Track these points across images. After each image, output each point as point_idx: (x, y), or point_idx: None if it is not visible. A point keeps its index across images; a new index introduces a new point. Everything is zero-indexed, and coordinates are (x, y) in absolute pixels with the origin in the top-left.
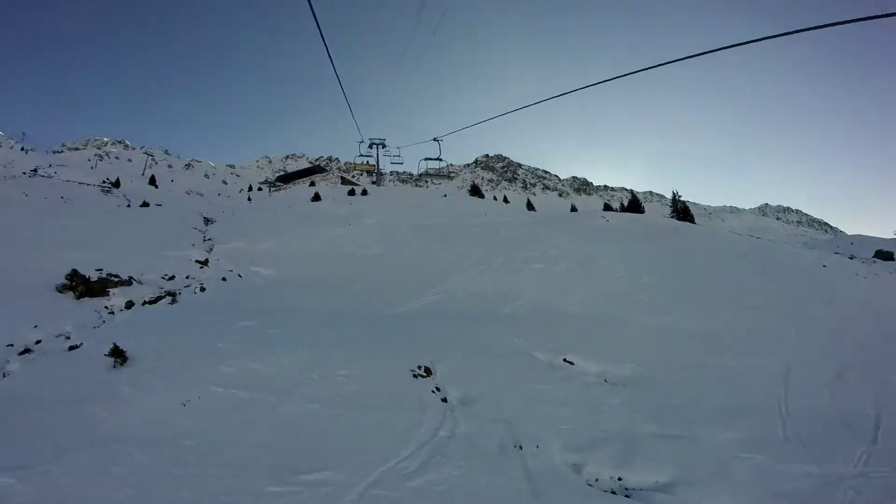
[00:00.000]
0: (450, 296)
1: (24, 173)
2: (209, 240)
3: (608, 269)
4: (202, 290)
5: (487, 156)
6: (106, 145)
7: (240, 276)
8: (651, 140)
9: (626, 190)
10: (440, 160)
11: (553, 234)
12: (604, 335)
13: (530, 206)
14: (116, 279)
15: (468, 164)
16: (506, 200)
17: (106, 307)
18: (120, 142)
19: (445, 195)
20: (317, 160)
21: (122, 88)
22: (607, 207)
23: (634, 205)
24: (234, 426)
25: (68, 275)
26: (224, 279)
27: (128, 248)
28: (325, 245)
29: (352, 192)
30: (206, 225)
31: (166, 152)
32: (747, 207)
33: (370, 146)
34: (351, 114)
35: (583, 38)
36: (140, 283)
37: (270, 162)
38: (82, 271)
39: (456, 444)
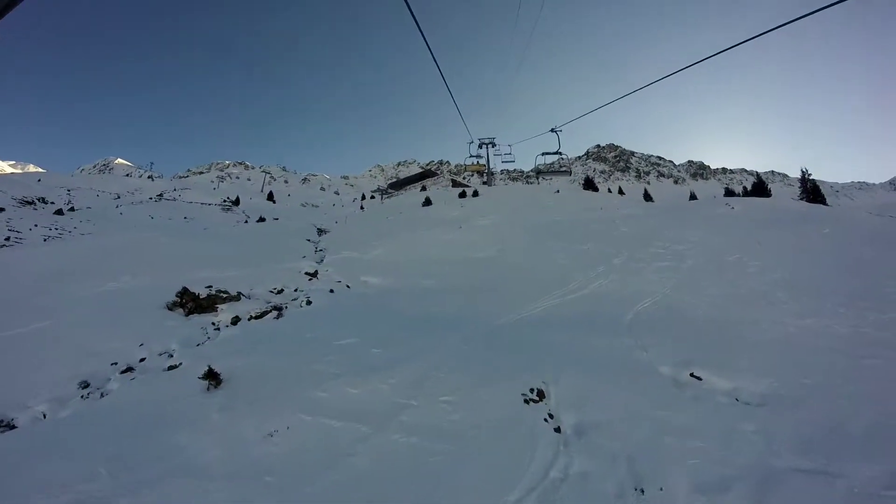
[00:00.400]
0: (567, 300)
1: (151, 198)
2: (321, 250)
3: (739, 264)
4: (308, 303)
5: (599, 146)
6: (228, 167)
7: (348, 286)
8: (769, 116)
9: (746, 171)
10: (560, 154)
11: (675, 226)
12: (736, 343)
13: (647, 197)
14: (225, 295)
15: (579, 157)
16: (621, 192)
17: (213, 323)
18: (240, 163)
19: (558, 191)
20: (427, 165)
21: (241, 113)
22: (729, 192)
23: (759, 188)
24: (320, 461)
25: (179, 292)
26: (332, 291)
27: (241, 262)
28: (437, 250)
29: (462, 195)
30: (320, 235)
31: (283, 169)
32: (877, 182)
33: (479, 146)
34: (459, 115)
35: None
36: (249, 297)
37: (383, 170)
38: (195, 288)
39: (569, 487)
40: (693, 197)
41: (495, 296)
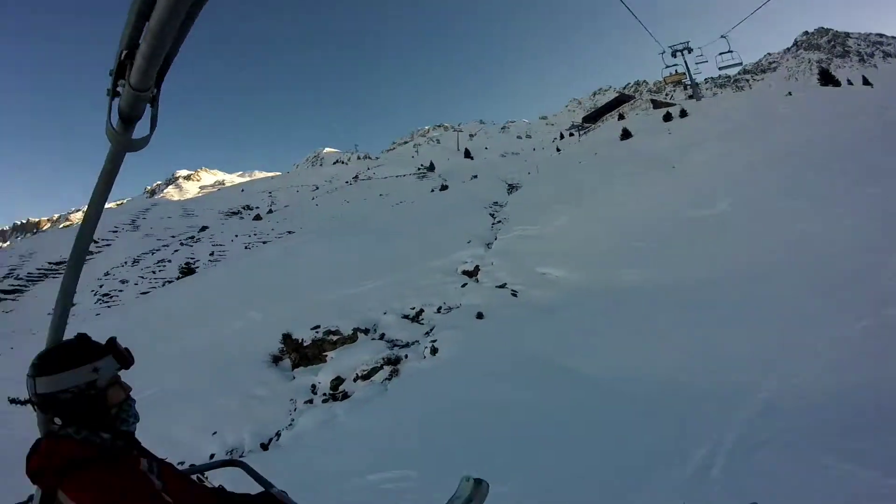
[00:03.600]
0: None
1: (347, 182)
2: (498, 222)
3: None
4: (434, 352)
5: (807, 33)
6: (428, 132)
7: (514, 293)
8: None
9: None
10: (731, 52)
11: None
12: None
13: None
14: (336, 337)
15: (788, 49)
16: (866, 82)
17: (313, 386)
18: (439, 125)
19: (790, 93)
20: (624, 89)
21: (435, 76)
22: None
23: None
24: None
25: (282, 340)
26: (480, 317)
27: (389, 264)
28: (644, 209)
29: (668, 117)
30: (509, 193)
31: (481, 122)
32: None
33: (673, 55)
34: (641, 25)
35: None
36: (371, 332)
37: (580, 103)
38: (311, 322)
39: None
40: None
41: (748, 300)
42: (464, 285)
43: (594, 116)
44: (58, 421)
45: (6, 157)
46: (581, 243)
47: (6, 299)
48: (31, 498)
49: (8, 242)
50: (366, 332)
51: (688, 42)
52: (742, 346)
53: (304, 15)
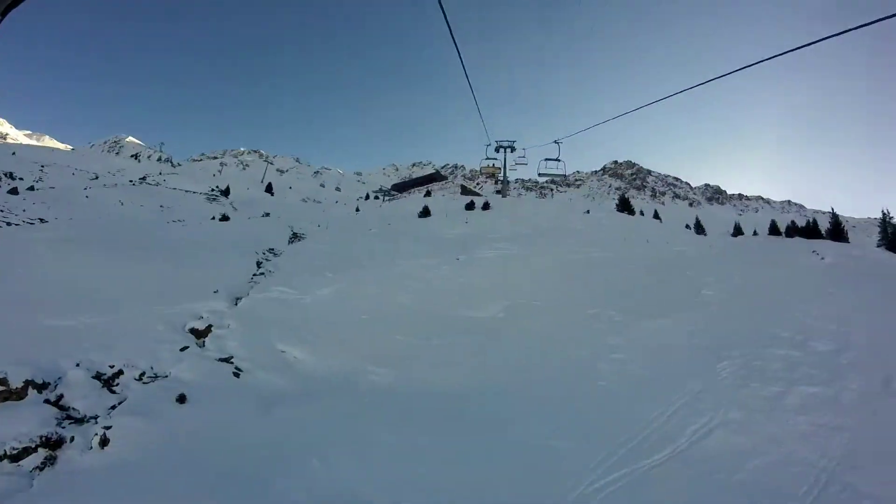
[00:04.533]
0: (645, 472)
1: (131, 181)
2: (260, 274)
3: None
4: (103, 443)
5: (616, 162)
6: (242, 154)
7: (237, 372)
8: (787, 141)
9: (763, 199)
10: (559, 160)
11: (769, 285)
12: None
13: (699, 228)
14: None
15: (596, 171)
16: (656, 216)
17: None
18: (255, 151)
19: (588, 211)
20: (443, 168)
21: (262, 102)
22: (794, 229)
23: (836, 230)
24: None
25: None
26: (182, 399)
27: (124, 296)
28: (414, 296)
29: (470, 206)
30: (290, 243)
31: (297, 160)
32: None
33: (497, 150)
34: (478, 111)
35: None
36: (48, 389)
37: (397, 169)
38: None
39: None
40: (740, 231)
41: (501, 437)
42: (183, 349)
43: (404, 186)
44: None
45: None
46: (338, 323)
47: None
48: None
49: None
50: (42, 387)
51: (513, 142)
52: (489, 472)
53: None
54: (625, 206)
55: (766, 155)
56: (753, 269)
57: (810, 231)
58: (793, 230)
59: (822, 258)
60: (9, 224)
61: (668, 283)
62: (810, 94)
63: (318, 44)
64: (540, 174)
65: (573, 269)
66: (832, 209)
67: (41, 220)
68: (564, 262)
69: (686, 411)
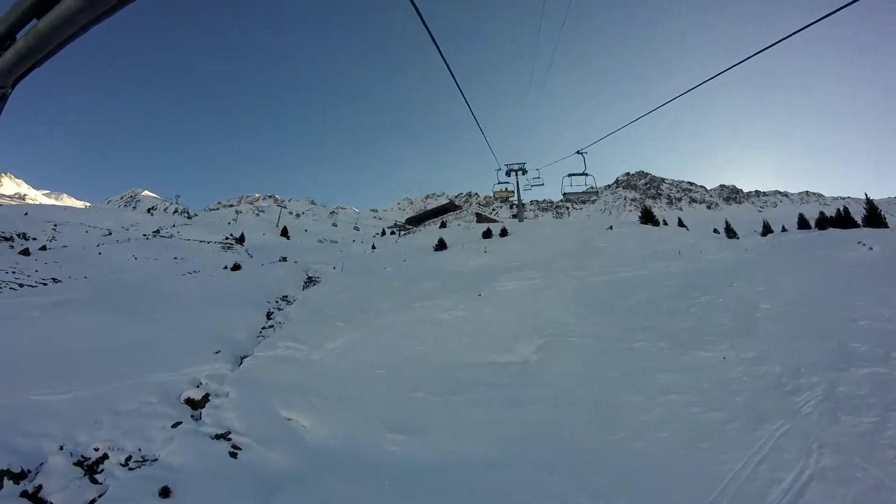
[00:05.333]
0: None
1: (145, 235)
2: (271, 327)
3: None
4: None
5: (628, 174)
6: (257, 200)
7: (234, 452)
8: (797, 132)
9: (780, 193)
10: (586, 174)
11: (826, 288)
12: None
13: (730, 231)
14: None
15: (609, 185)
16: (681, 224)
17: None
18: (270, 196)
19: (611, 227)
20: (456, 197)
21: (274, 148)
22: (829, 221)
23: (874, 216)
24: None
25: None
26: (165, 493)
27: (117, 363)
28: (433, 344)
29: (487, 234)
30: (305, 288)
31: (312, 202)
32: None
33: (507, 173)
34: (485, 139)
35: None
36: (25, 481)
37: (411, 203)
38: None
39: None
40: (769, 229)
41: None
42: (175, 425)
43: (418, 219)
44: None
45: None
46: (351, 381)
47: None
48: None
49: None
50: (19, 477)
51: (524, 164)
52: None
53: (174, 37)
54: (647, 217)
55: (777, 145)
56: (802, 272)
57: (843, 220)
58: (825, 222)
59: (870, 248)
60: (21, 285)
61: (714, 301)
62: (816, 79)
63: (326, 90)
64: (565, 194)
65: (606, 293)
66: (866, 195)
67: (54, 279)
68: (595, 286)
69: (770, 463)
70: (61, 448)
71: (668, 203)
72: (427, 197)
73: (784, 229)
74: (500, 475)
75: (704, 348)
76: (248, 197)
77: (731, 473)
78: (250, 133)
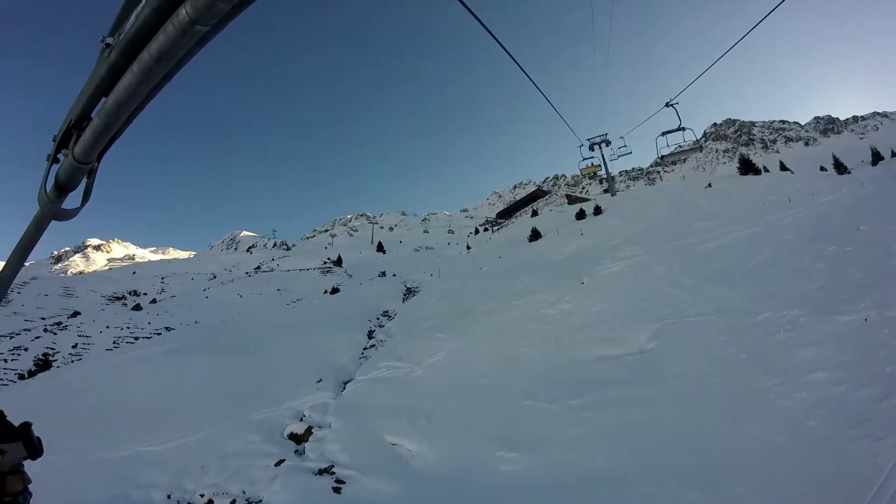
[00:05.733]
0: None
1: (247, 273)
2: (372, 346)
3: None
4: None
5: (716, 125)
6: (350, 221)
7: (338, 487)
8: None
9: (879, 114)
10: (683, 129)
11: None
12: None
13: (839, 166)
14: None
15: (696, 140)
16: (784, 167)
17: None
18: (362, 215)
19: (710, 185)
20: (543, 182)
21: (359, 167)
22: None
23: None
24: None
25: None
26: None
27: (206, 411)
28: (540, 342)
29: (581, 215)
30: (404, 300)
31: (402, 213)
32: None
33: (591, 147)
34: (559, 115)
35: None
36: None
37: (500, 196)
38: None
39: None
40: (879, 157)
41: None
42: (278, 463)
43: (509, 212)
44: None
45: None
46: (455, 394)
47: None
48: None
49: None
50: None
51: (606, 134)
52: None
53: (241, 90)
54: (747, 166)
55: (866, 59)
56: None
57: None
58: None
59: None
60: (136, 339)
61: (842, 250)
62: None
63: (404, 99)
64: (663, 157)
65: (719, 259)
66: None
67: (167, 328)
68: (706, 254)
69: None
70: (168, 497)
71: (762, 147)
72: (514, 187)
73: (894, 154)
74: (628, 491)
75: (842, 311)
76: (340, 220)
77: (890, 465)
78: (336, 156)
